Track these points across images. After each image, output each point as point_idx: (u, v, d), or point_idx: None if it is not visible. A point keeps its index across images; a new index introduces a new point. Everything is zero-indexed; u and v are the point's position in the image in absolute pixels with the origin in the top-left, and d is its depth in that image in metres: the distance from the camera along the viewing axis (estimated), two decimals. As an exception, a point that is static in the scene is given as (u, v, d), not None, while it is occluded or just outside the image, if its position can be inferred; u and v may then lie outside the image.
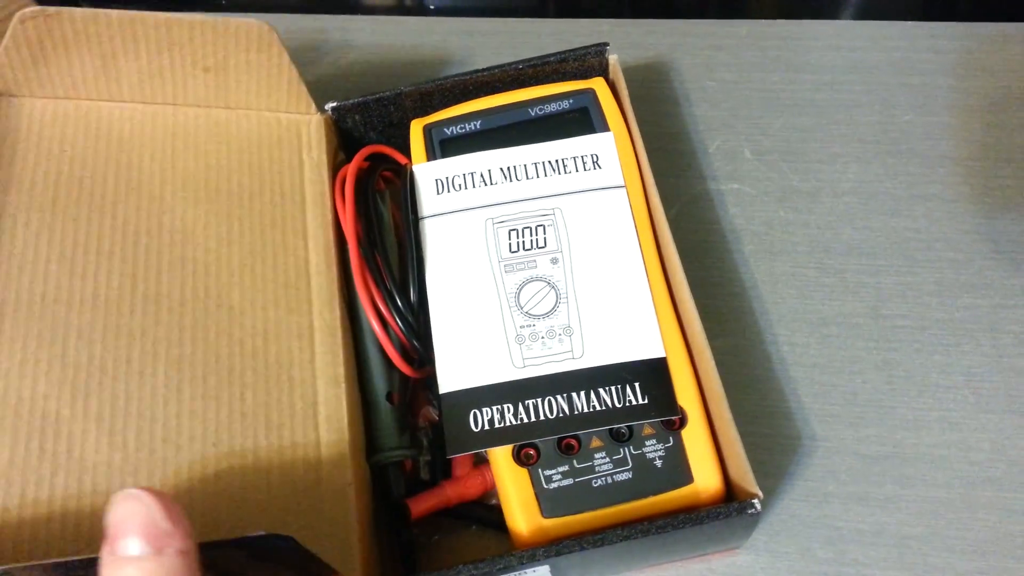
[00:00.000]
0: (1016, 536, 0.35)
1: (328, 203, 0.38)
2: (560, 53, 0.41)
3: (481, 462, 0.36)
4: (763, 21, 0.50)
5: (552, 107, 0.40)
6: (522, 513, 0.32)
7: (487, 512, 0.35)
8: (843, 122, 0.47)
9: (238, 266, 0.35)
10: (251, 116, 0.39)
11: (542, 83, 0.41)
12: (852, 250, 0.42)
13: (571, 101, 0.40)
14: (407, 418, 0.36)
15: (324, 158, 0.39)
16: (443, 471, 0.36)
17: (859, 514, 0.36)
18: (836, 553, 0.35)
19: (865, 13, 0.59)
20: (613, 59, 0.41)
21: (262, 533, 0.24)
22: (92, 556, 0.23)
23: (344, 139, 0.42)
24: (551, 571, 0.31)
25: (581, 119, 0.40)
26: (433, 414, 0.37)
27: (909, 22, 0.50)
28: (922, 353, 0.40)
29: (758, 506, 0.29)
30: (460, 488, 0.34)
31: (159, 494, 0.23)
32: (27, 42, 0.35)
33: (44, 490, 0.30)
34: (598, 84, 0.40)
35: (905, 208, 0.43)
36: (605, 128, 0.39)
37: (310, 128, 0.40)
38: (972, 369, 0.39)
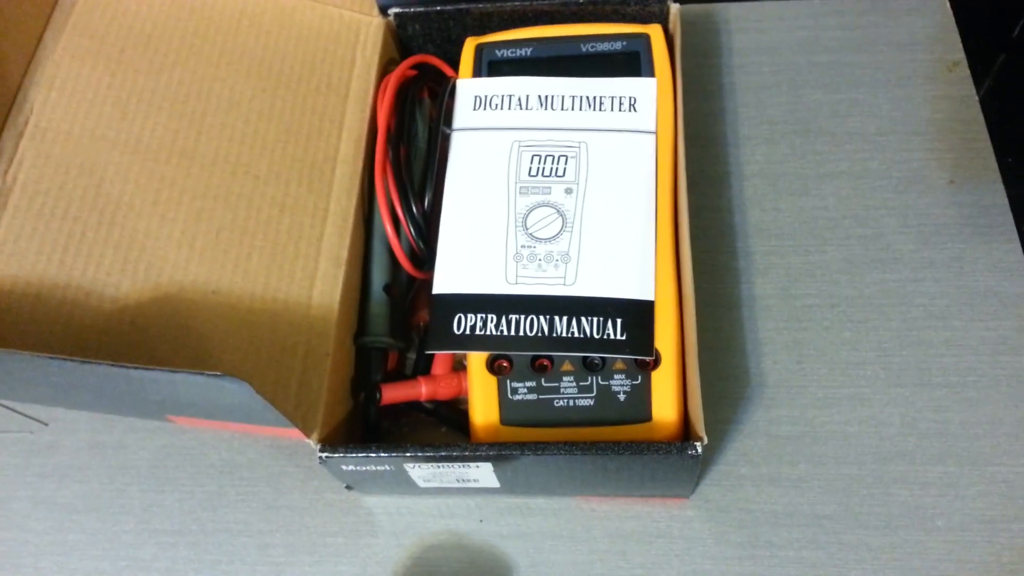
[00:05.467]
0: (927, 508, 0.35)
1: (370, 102, 0.39)
2: (624, -6, 0.41)
3: (461, 368, 0.37)
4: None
5: (604, 46, 0.40)
6: (482, 415, 0.33)
7: (456, 415, 0.37)
8: (752, 104, 0.46)
9: (272, 140, 0.38)
10: (316, 8, 0.41)
11: (600, 21, 0.42)
12: (761, 232, 0.42)
13: (624, 43, 0.40)
14: (403, 314, 0.38)
15: (376, 59, 0.40)
16: (424, 370, 0.37)
17: (772, 495, 0.36)
18: (749, 536, 0.35)
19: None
20: (675, 8, 0.41)
21: (217, 373, 0.26)
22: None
23: (402, 47, 0.44)
24: (495, 474, 0.32)
25: (630, 62, 0.40)
26: (427, 316, 0.38)
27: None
28: (832, 331, 0.39)
29: (699, 448, 0.30)
30: (434, 386, 0.36)
31: None
32: None
33: (56, 294, 0.33)
34: (654, 31, 0.40)
35: (813, 187, 0.43)
36: (651, 74, 0.39)
37: (370, 29, 0.41)
38: (882, 344, 0.39)
